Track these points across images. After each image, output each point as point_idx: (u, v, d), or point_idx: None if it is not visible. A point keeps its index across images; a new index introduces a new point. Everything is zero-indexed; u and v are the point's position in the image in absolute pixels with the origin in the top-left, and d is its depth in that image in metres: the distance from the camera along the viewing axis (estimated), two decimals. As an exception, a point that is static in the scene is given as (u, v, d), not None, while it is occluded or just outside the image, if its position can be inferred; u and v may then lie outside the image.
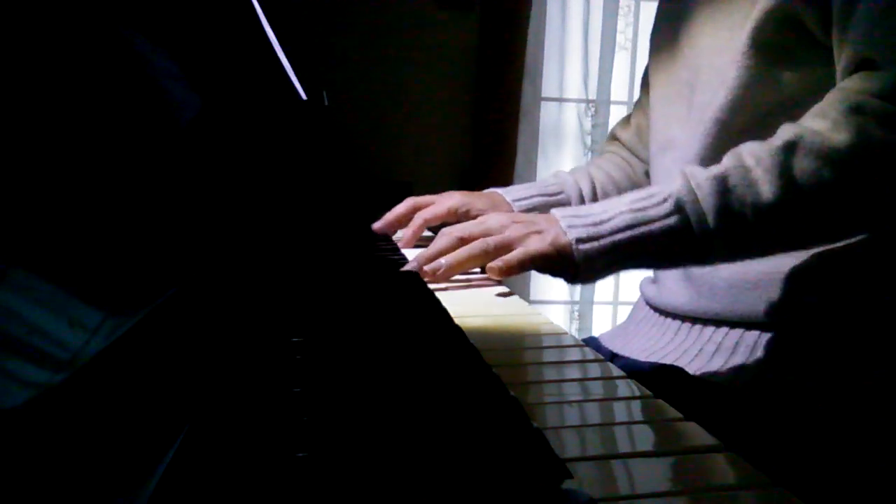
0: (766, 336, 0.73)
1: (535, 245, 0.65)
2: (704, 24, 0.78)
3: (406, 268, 0.68)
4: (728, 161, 0.65)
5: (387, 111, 1.90)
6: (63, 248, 0.29)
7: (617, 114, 2.05)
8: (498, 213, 0.72)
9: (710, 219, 0.63)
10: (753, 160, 0.64)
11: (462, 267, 0.66)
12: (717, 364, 0.75)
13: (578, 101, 2.01)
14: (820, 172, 0.62)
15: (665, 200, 0.65)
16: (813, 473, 0.66)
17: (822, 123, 0.64)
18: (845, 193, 0.63)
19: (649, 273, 0.93)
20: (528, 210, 0.92)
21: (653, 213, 0.64)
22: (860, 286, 0.71)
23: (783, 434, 0.68)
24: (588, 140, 2.04)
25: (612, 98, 2.02)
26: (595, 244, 0.64)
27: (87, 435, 0.26)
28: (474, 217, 0.88)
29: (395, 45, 1.88)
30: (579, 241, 0.64)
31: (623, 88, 2.06)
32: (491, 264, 0.65)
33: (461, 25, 1.91)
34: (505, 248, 0.66)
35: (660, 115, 0.88)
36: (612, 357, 0.87)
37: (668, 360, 0.78)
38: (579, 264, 0.64)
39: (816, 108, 0.66)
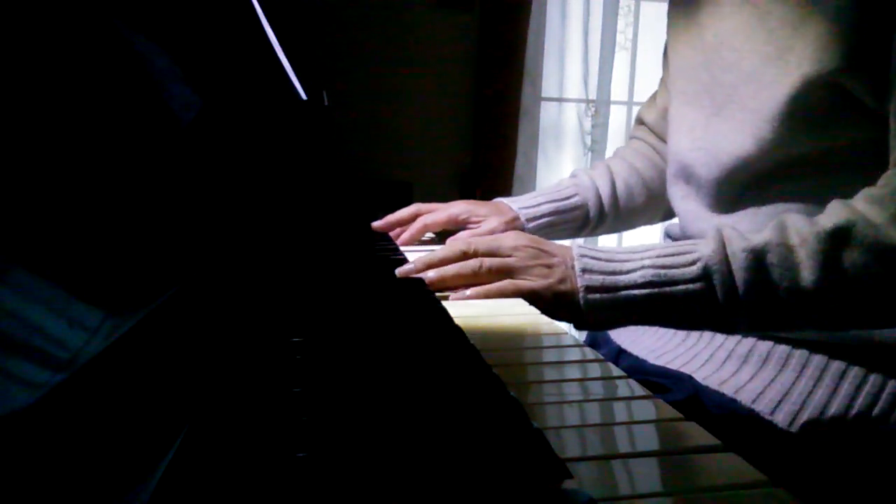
0: (780, 347, 0.72)
1: (530, 283, 0.62)
2: (734, 33, 0.72)
3: (402, 269, 0.66)
4: (770, 234, 0.61)
5: (387, 111, 1.90)
6: (63, 248, 0.29)
7: (617, 114, 2.05)
8: (517, 233, 0.68)
9: (740, 293, 0.59)
10: (798, 239, 0.59)
11: (446, 283, 0.63)
12: (728, 371, 0.73)
13: (578, 101, 2.01)
14: (869, 268, 0.58)
15: (694, 263, 0.60)
16: (814, 476, 0.66)
17: (879, 214, 0.59)
18: (889, 290, 0.59)
19: None
20: (537, 217, 0.89)
21: (678, 273, 0.60)
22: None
23: (790, 444, 0.67)
24: (588, 140, 2.03)
25: (612, 98, 2.01)
26: (607, 296, 0.60)
27: (88, 435, 0.26)
28: (475, 223, 0.88)
29: (395, 45, 1.88)
30: (590, 289, 0.60)
31: (623, 88, 2.06)
32: (458, 294, 0.62)
33: (461, 25, 1.91)
34: (501, 273, 0.63)
35: (675, 111, 0.83)
36: (619, 353, 0.85)
37: (677, 364, 0.77)
38: (585, 314, 0.61)
39: (874, 192, 0.61)
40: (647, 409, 0.40)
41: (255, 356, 0.43)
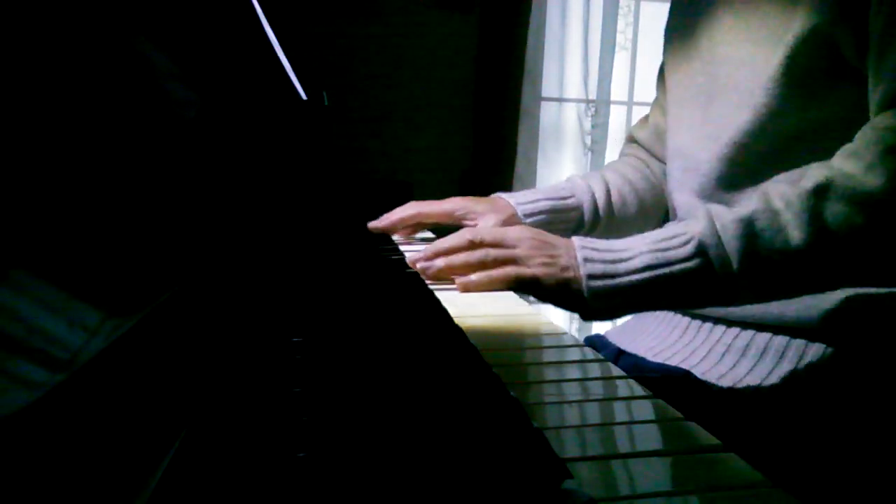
0: (777, 339, 0.72)
1: (533, 270, 0.64)
2: (728, 30, 0.75)
3: (412, 257, 0.69)
4: (756, 203, 0.63)
5: (387, 111, 1.90)
6: (63, 248, 0.29)
7: (617, 114, 2.05)
8: (522, 228, 0.71)
9: (734, 263, 0.61)
10: (783, 203, 0.61)
11: (454, 272, 0.66)
12: (727, 365, 0.74)
13: (578, 101, 2.01)
14: (852, 217, 0.60)
15: (688, 243, 0.63)
16: (813, 475, 0.66)
17: (855, 165, 0.61)
18: (878, 238, 0.60)
19: None
20: (534, 214, 0.90)
21: (674, 254, 0.62)
22: (877, 296, 0.70)
23: (787, 436, 0.68)
24: (588, 140, 2.03)
25: (612, 98, 2.02)
26: (610, 282, 0.63)
27: (88, 435, 0.26)
28: (472, 221, 0.88)
29: (396, 45, 1.88)
30: (592, 277, 0.63)
31: (623, 88, 2.06)
32: (463, 279, 0.65)
33: (461, 25, 1.91)
34: (507, 263, 0.65)
35: (673, 117, 0.86)
36: (619, 354, 0.86)
37: (676, 360, 0.77)
38: (589, 301, 0.63)
39: (849, 147, 0.63)
40: (647, 409, 0.40)
41: (256, 356, 0.43)
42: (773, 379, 0.71)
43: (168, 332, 0.37)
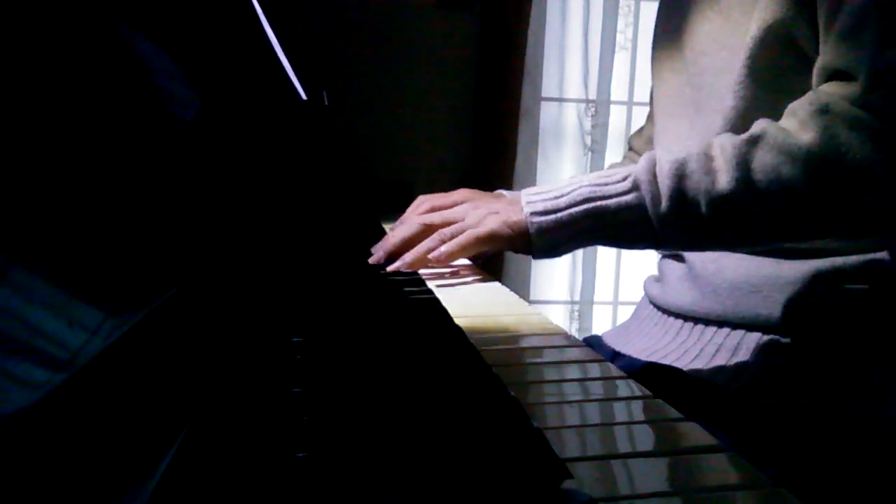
0: (768, 339, 0.73)
1: (485, 226, 0.68)
2: (705, 39, 0.76)
3: (373, 258, 0.73)
4: (694, 147, 0.66)
5: (387, 111, 1.90)
6: (63, 248, 0.29)
7: (617, 114, 2.05)
8: (463, 197, 0.76)
9: (664, 201, 0.64)
10: (718, 149, 0.64)
11: (423, 262, 0.70)
12: (718, 365, 0.74)
13: (578, 101, 2.01)
14: (779, 168, 0.62)
15: (625, 178, 0.66)
16: (812, 474, 0.66)
17: (790, 121, 0.64)
18: (802, 193, 0.62)
19: (654, 271, 0.93)
20: None
21: (611, 189, 0.66)
22: (862, 294, 0.70)
23: (782, 435, 0.68)
24: (588, 140, 2.03)
25: (612, 98, 2.01)
26: (551, 217, 0.67)
27: (88, 435, 0.26)
28: None
29: (395, 45, 1.88)
30: (534, 213, 0.67)
31: (623, 88, 2.05)
32: (432, 255, 0.69)
33: (461, 25, 1.91)
34: (462, 232, 0.69)
35: (661, 127, 0.87)
36: (614, 356, 0.86)
37: (668, 360, 0.78)
38: (533, 237, 0.67)
39: (791, 105, 0.65)
40: (647, 409, 0.40)
41: (256, 356, 0.43)
42: (764, 378, 0.71)
43: (169, 331, 0.37)
